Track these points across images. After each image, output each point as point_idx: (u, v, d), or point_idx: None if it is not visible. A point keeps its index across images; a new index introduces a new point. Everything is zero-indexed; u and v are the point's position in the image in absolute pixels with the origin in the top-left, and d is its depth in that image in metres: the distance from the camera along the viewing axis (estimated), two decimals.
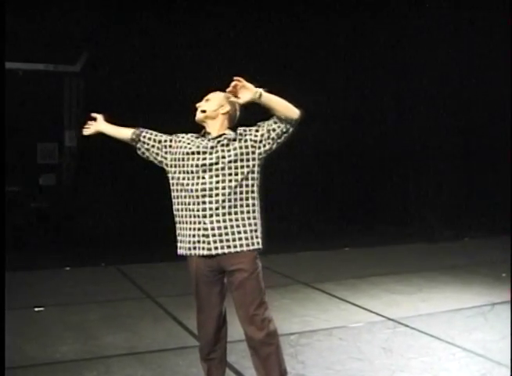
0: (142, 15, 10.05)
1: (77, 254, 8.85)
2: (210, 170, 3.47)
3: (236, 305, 3.54)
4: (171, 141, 3.69)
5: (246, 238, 3.46)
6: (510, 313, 5.72)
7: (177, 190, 3.60)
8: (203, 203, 3.45)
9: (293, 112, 3.43)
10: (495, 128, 11.42)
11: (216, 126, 3.60)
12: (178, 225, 3.64)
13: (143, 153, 3.77)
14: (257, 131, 3.54)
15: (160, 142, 3.71)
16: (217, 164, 3.47)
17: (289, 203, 10.98)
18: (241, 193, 3.47)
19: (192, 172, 3.51)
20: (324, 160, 11.63)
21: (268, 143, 3.51)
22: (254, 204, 3.51)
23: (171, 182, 3.65)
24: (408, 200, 12.45)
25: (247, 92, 3.32)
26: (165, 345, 5.08)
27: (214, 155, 3.48)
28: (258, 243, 3.51)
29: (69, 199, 10.41)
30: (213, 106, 3.61)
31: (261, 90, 3.33)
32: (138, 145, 3.76)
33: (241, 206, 3.47)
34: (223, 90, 3.47)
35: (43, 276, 7.82)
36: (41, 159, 10.67)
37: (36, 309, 6.17)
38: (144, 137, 3.74)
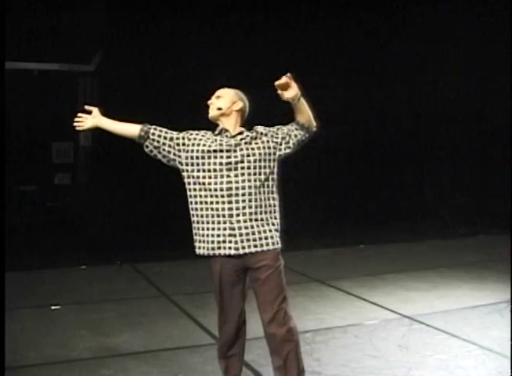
0: (157, 14, 10.07)
1: (92, 252, 8.89)
2: (236, 168, 3.42)
3: (259, 301, 3.52)
4: (183, 138, 3.57)
5: (272, 237, 3.48)
6: None
7: (195, 189, 3.50)
8: (229, 202, 3.41)
9: (313, 122, 3.55)
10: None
11: (232, 123, 3.57)
12: (196, 225, 3.55)
13: (151, 151, 3.60)
14: (277, 133, 3.57)
15: (171, 139, 3.58)
16: (242, 162, 3.43)
17: (303, 201, 10.95)
18: (264, 192, 3.48)
19: (215, 171, 3.43)
20: (339, 157, 11.60)
21: (288, 147, 3.56)
22: (275, 205, 3.54)
23: (187, 180, 3.54)
24: (423, 196, 12.40)
25: (292, 90, 3.36)
26: (181, 343, 5.09)
27: (238, 153, 3.44)
28: (279, 242, 3.53)
29: (84, 198, 10.45)
30: (227, 103, 3.59)
31: (300, 93, 3.41)
32: (147, 142, 3.59)
33: (265, 206, 3.47)
34: (233, 87, 3.52)
35: (59, 274, 7.86)
36: (57, 158, 10.71)
37: (52, 308, 6.20)
38: (153, 134, 3.58)
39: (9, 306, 4.24)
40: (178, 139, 3.58)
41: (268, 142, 3.54)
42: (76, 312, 6.12)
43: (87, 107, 3.68)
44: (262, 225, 3.46)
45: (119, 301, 6.54)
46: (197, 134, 3.60)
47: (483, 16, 10.91)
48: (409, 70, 11.79)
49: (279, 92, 3.35)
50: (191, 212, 3.57)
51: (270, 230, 3.48)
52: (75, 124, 3.66)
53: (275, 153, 3.54)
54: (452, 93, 11.94)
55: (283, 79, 3.32)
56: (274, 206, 3.53)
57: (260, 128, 3.60)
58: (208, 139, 3.53)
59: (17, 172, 9.52)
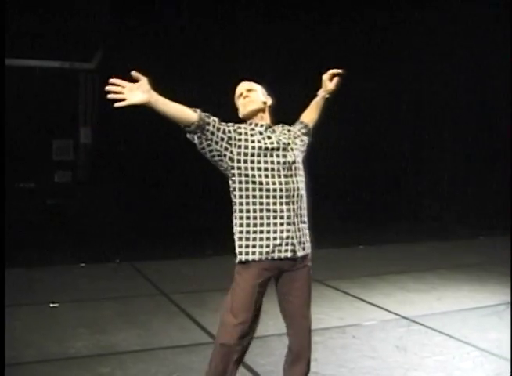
0: (159, 13, 10.08)
1: (91, 250, 8.88)
2: (290, 168, 3.27)
3: (295, 303, 3.42)
4: (234, 132, 3.24)
5: (310, 240, 3.45)
6: None
7: (248, 189, 3.22)
8: (287, 203, 3.23)
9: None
10: None
11: (269, 119, 3.44)
12: (247, 228, 3.24)
13: (201, 143, 3.15)
14: (300, 134, 3.61)
15: (224, 132, 3.19)
16: (294, 162, 3.31)
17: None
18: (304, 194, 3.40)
19: (272, 170, 3.21)
20: (337, 158, 11.60)
21: (306, 150, 3.60)
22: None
23: (238, 179, 3.23)
24: (423, 198, 12.40)
25: (333, 86, 3.60)
26: (178, 342, 5.09)
27: (291, 152, 3.30)
28: None
29: (84, 196, 10.46)
30: (263, 98, 3.45)
31: None
32: (201, 133, 3.12)
33: (305, 208, 3.39)
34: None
35: (58, 272, 7.85)
36: (57, 156, 10.73)
37: (51, 305, 6.20)
38: (209, 124, 3.14)
39: (8, 303, 4.23)
40: (229, 132, 3.22)
41: (302, 141, 3.56)
42: (74, 309, 6.11)
43: (134, 73, 2.96)
44: (306, 228, 3.41)
45: (117, 299, 6.53)
46: (245, 128, 3.32)
47: (481, 17, 10.92)
48: (411, 69, 11.81)
49: (326, 81, 3.52)
50: (239, 214, 3.26)
51: (308, 232, 3.44)
52: (112, 96, 2.90)
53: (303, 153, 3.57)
54: (451, 94, 11.94)
55: (338, 71, 3.44)
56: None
57: (286, 126, 3.54)
58: (257, 134, 3.28)
59: (17, 169, 9.51)
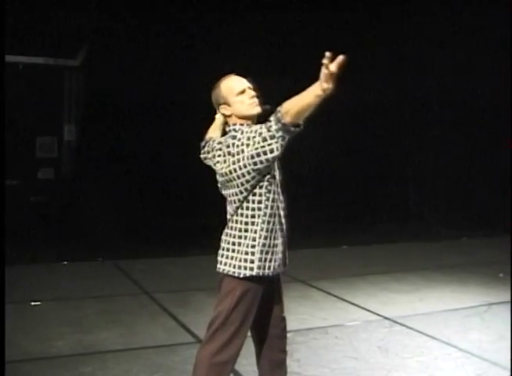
0: (143, 10, 10.03)
1: (74, 248, 8.84)
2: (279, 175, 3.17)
3: (276, 311, 3.32)
4: None
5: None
6: (506, 314, 5.73)
7: (273, 200, 3.05)
8: (284, 212, 3.15)
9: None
10: (496, 127, 11.40)
11: None
12: (267, 242, 3.04)
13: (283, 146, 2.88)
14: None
15: None
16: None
17: (286, 201, 10.95)
18: None
19: (275, 178, 3.10)
20: (321, 158, 11.62)
21: None
22: None
23: (269, 188, 3.04)
24: (407, 198, 12.45)
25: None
26: (161, 342, 5.07)
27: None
28: None
29: (67, 193, 10.39)
30: None
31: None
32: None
33: None
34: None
35: (40, 270, 7.81)
36: (40, 153, 10.64)
37: (32, 304, 6.16)
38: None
39: None
40: None
41: None
42: (56, 308, 6.08)
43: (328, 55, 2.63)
44: None
45: (100, 298, 6.50)
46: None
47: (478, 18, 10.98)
48: (404, 69, 11.86)
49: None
50: (265, 226, 3.03)
51: None
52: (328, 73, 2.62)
53: None
54: (438, 94, 12.00)
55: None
56: None
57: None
58: None
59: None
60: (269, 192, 3.01)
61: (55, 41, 9.81)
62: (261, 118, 3.09)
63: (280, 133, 2.79)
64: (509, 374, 4.29)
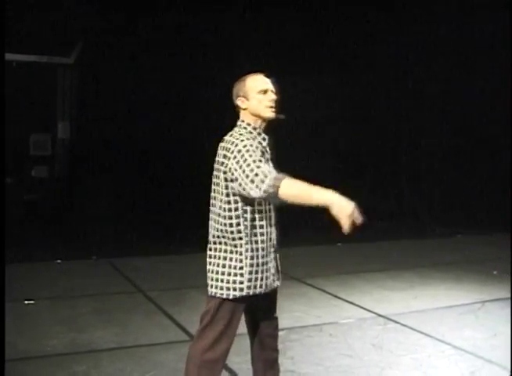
0: (137, 7, 10.01)
1: (68, 247, 8.82)
2: None
3: (269, 311, 3.29)
4: (263, 154, 3.02)
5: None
6: (501, 311, 5.75)
7: (252, 219, 2.97)
8: (272, 225, 3.09)
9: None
10: (491, 126, 11.43)
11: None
12: (254, 261, 2.98)
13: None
14: None
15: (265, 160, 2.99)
16: None
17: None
18: None
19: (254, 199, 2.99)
20: (316, 156, 11.61)
21: None
22: None
23: (245, 208, 2.97)
24: (401, 196, 12.46)
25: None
26: (155, 340, 5.06)
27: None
28: None
29: (61, 191, 10.38)
30: None
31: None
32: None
33: None
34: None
35: (34, 268, 7.79)
36: (34, 151, 10.62)
37: (26, 302, 6.14)
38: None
39: None
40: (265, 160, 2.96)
41: None
42: (50, 307, 6.07)
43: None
44: None
45: (94, 296, 6.49)
46: (262, 145, 3.06)
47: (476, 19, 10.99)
48: (398, 71, 11.87)
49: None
50: (254, 246, 2.99)
51: None
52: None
53: None
54: (433, 95, 12.01)
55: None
56: None
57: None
58: (260, 143, 3.05)
59: None
60: (246, 212, 2.95)
61: (48, 39, 9.79)
62: (271, 124, 3.12)
63: (266, 195, 2.77)
64: (502, 370, 4.29)
